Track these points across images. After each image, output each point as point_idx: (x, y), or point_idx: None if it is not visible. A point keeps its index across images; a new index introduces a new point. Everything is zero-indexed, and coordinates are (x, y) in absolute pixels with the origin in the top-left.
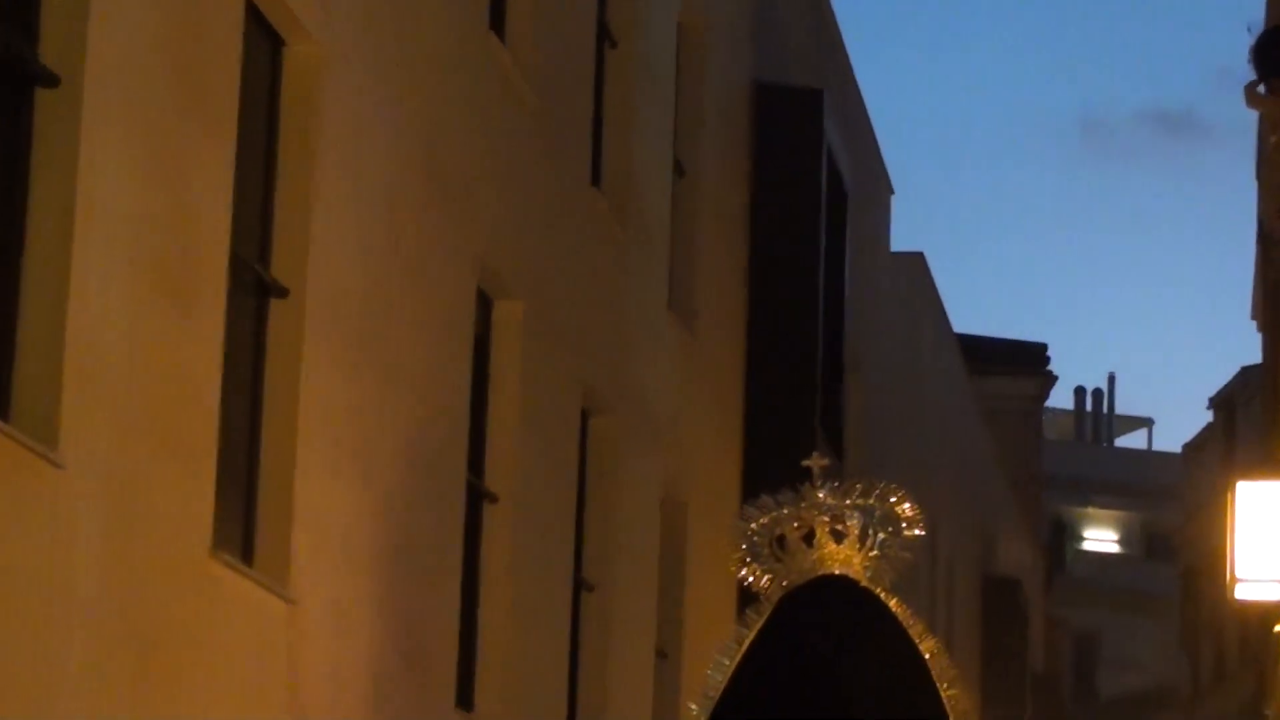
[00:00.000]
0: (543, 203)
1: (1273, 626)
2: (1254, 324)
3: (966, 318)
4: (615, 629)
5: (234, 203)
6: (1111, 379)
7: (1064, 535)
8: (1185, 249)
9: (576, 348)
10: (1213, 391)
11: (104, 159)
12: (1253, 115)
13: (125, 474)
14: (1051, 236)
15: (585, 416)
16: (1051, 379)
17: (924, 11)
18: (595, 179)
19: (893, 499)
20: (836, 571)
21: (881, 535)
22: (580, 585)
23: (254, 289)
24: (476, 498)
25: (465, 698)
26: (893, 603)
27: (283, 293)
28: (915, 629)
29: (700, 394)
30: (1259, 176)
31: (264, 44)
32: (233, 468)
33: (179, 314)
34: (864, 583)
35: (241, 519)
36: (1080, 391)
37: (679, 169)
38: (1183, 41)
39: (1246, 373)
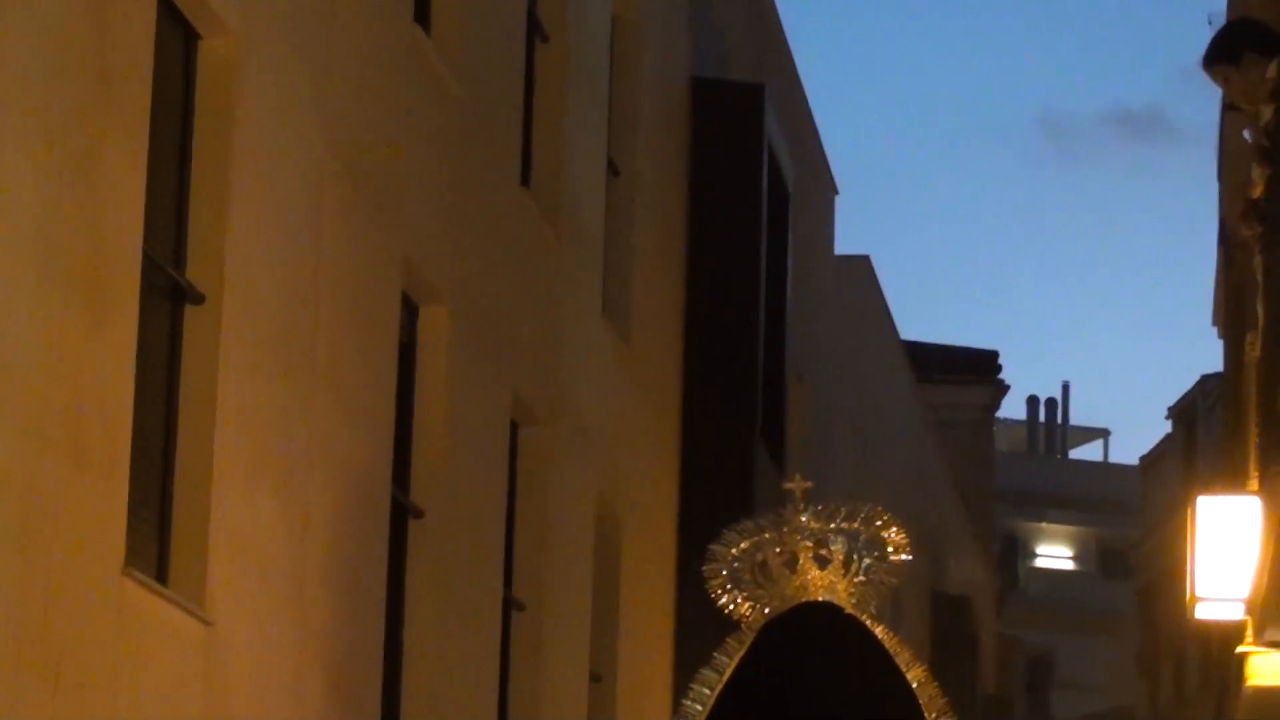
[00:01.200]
0: (470, 203)
1: (1234, 647)
2: (1215, 330)
3: (914, 324)
4: (547, 650)
5: (147, 204)
6: (1066, 388)
7: (1016, 551)
8: (1143, 253)
9: (506, 355)
10: (1172, 401)
11: (7, 157)
12: (1215, 116)
13: (32, 487)
14: (1003, 239)
15: (515, 427)
16: (1003, 388)
17: (873, 3)
18: (525, 179)
19: (878, 523)
20: (820, 598)
21: (867, 560)
22: (510, 604)
23: (168, 293)
24: (402, 512)
25: None
26: (878, 630)
27: (198, 298)
28: (902, 657)
29: (636, 403)
30: (1221, 177)
31: (177, 37)
32: (146, 481)
33: (89, 319)
34: (849, 609)
35: (155, 535)
36: (1033, 401)
37: (613, 168)
38: (1147, 40)
39: (1207, 382)
